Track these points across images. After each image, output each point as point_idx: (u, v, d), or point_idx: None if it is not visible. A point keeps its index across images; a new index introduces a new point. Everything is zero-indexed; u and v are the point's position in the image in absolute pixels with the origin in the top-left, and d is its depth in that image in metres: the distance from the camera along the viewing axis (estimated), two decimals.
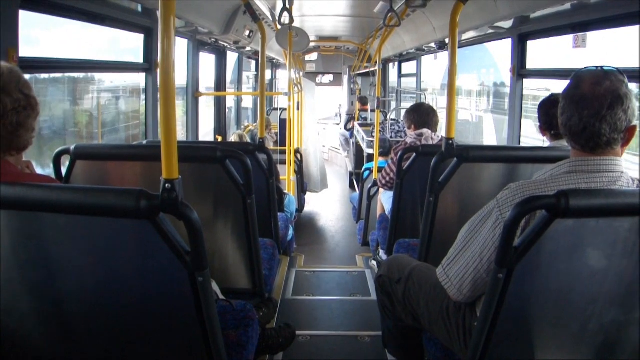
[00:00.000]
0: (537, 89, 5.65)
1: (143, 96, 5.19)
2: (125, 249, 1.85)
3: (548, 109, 3.18)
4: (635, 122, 1.97)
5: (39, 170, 2.35)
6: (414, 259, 2.90)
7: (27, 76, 2.01)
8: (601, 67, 2.00)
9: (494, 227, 2.04)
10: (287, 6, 5.40)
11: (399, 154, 3.85)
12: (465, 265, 2.15)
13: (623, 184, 1.99)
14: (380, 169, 5.58)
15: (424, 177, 3.18)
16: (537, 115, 3.34)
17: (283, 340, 3.54)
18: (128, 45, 5.10)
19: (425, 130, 4.50)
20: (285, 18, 5.68)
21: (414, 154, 3.67)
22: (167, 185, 1.67)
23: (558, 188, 1.92)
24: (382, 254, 4.73)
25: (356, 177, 9.68)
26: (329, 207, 10.11)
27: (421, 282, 2.54)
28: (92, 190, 1.73)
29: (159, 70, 1.73)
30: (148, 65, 4.80)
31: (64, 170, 2.91)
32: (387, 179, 4.56)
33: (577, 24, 3.86)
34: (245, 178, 2.87)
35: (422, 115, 4.60)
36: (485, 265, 2.08)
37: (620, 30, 3.68)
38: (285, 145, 6.79)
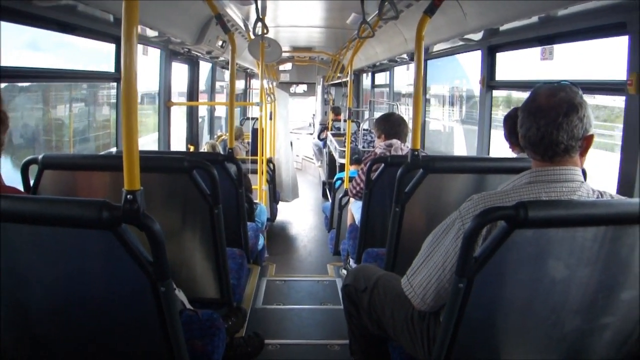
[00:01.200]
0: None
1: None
2: (89, 259, 1.85)
3: (512, 124, 3.22)
4: (591, 132, 2.01)
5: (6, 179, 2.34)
6: (380, 269, 2.92)
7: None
8: (557, 82, 2.06)
9: (456, 237, 2.07)
10: (261, 16, 5.42)
11: (368, 164, 3.87)
12: (428, 275, 2.17)
13: (583, 193, 2.03)
14: (351, 179, 5.61)
15: (392, 187, 3.20)
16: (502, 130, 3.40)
17: (251, 349, 3.55)
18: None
19: (394, 141, 4.53)
20: (259, 28, 5.70)
21: (382, 165, 3.70)
22: (128, 196, 1.68)
23: (519, 198, 1.95)
24: (352, 263, 4.74)
25: (329, 187, 9.69)
26: (301, 217, 10.11)
27: (386, 291, 2.57)
28: (55, 200, 1.74)
29: (121, 80, 1.74)
30: (119, 75, 4.78)
31: (32, 180, 2.89)
32: (357, 188, 4.59)
33: (544, 36, 3.92)
34: (212, 188, 2.87)
35: (392, 125, 4.62)
36: (447, 275, 2.11)
37: (584, 44, 3.75)
38: (258, 155, 6.79)
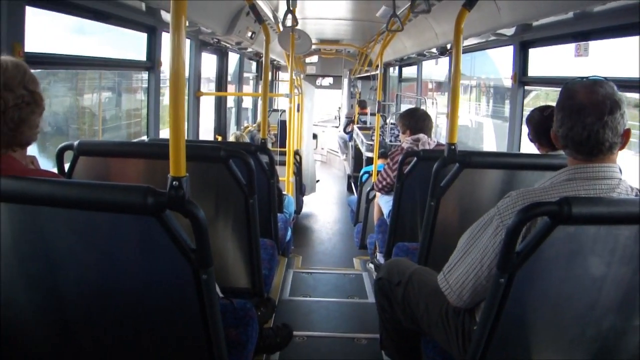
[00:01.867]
0: None
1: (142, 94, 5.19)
2: (130, 245, 1.85)
3: (537, 124, 3.18)
4: (628, 125, 2.00)
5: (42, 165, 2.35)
6: (414, 263, 2.91)
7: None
8: (586, 77, 2.04)
9: (495, 234, 2.06)
10: (291, 8, 5.42)
11: (400, 158, 3.86)
12: (465, 271, 2.16)
13: (622, 191, 2.02)
14: (379, 173, 5.61)
15: (423, 182, 3.19)
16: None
17: (280, 340, 3.56)
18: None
19: (421, 136, 4.53)
20: (289, 20, 5.70)
21: (415, 159, 3.69)
22: (174, 182, 1.68)
23: (558, 196, 1.93)
24: (380, 257, 4.74)
25: (354, 180, 9.69)
26: (326, 209, 10.13)
27: (421, 285, 2.56)
28: (98, 186, 1.74)
29: (168, 70, 1.74)
30: (151, 64, 4.81)
31: (66, 166, 2.91)
32: (384, 183, 4.58)
33: (579, 33, 3.87)
34: (247, 178, 2.88)
35: (418, 120, 4.63)
36: (485, 272, 2.10)
37: (621, 40, 3.70)
38: (284, 147, 6.79)
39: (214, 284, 1.86)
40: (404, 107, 11.34)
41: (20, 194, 1.71)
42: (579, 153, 2.03)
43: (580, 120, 1.97)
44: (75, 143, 2.84)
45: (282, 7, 5.51)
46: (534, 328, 2.02)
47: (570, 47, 4.25)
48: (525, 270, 1.80)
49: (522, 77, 4.82)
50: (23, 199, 1.73)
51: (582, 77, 2.05)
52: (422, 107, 8.60)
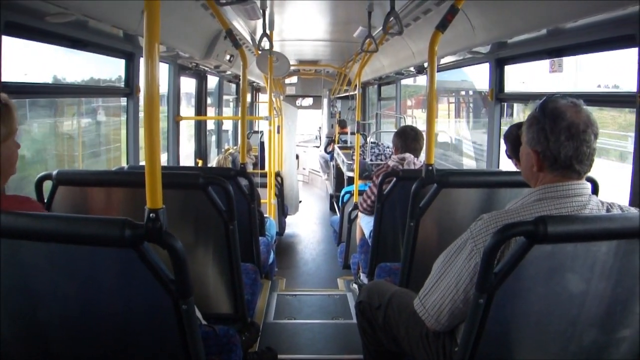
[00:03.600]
0: None
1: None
2: (109, 278, 1.85)
3: (514, 140, 3.21)
4: None
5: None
6: (393, 285, 2.91)
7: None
8: (559, 95, 2.08)
9: (469, 258, 2.07)
10: (267, 32, 5.44)
11: (380, 178, 3.87)
12: (441, 296, 2.17)
13: (593, 207, 2.05)
14: (361, 192, 5.61)
15: (404, 201, 3.20)
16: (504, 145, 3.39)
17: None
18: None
19: (407, 155, 4.53)
20: (266, 43, 5.73)
21: (394, 179, 3.70)
22: (151, 214, 1.68)
23: (530, 216, 1.94)
24: (364, 277, 4.74)
25: (336, 200, 9.70)
26: (309, 230, 10.12)
27: (400, 308, 2.56)
28: (76, 219, 1.73)
29: (142, 97, 1.75)
30: (129, 90, 4.79)
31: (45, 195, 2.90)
32: (368, 202, 4.58)
33: (553, 49, 3.91)
34: (227, 204, 2.88)
35: (407, 140, 4.63)
36: (461, 296, 2.10)
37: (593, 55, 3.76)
38: (265, 168, 6.79)
39: (194, 313, 1.85)
40: (384, 126, 11.40)
41: None
42: (556, 170, 2.05)
43: (572, 139, 1.99)
44: (54, 173, 2.84)
45: (260, 31, 5.53)
46: (516, 346, 2.03)
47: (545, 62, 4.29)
48: (504, 289, 1.81)
49: (498, 93, 4.86)
50: (2, 233, 1.72)
51: (554, 95, 2.09)
52: (402, 125, 8.70)
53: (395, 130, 5.05)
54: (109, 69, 5.11)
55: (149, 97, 1.72)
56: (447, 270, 2.16)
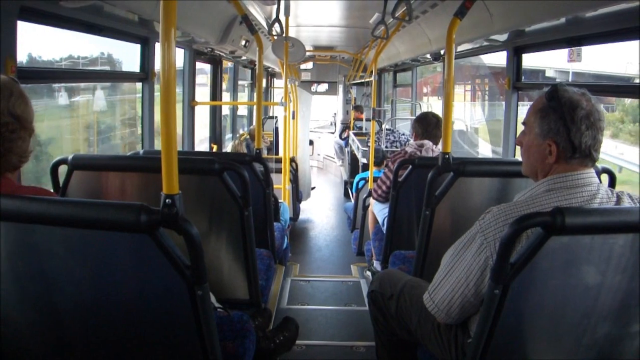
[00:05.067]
0: None
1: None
2: (124, 262, 1.85)
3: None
4: None
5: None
6: (405, 274, 2.91)
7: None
8: (557, 85, 2.08)
9: (479, 252, 2.06)
10: (283, 17, 5.42)
11: (396, 164, 3.85)
12: (451, 290, 2.16)
13: (603, 196, 2.04)
14: (375, 179, 5.59)
15: (419, 189, 3.19)
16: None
17: (274, 345, 3.55)
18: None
19: (426, 142, 4.50)
20: (278, 28, 5.71)
21: (410, 166, 3.69)
22: (167, 200, 1.68)
23: (539, 208, 1.96)
24: (377, 265, 4.73)
25: (351, 186, 9.70)
26: (323, 216, 10.12)
27: (412, 299, 2.56)
28: (92, 204, 1.74)
29: (159, 82, 1.74)
30: (145, 75, 4.80)
31: (61, 180, 2.91)
32: (382, 189, 4.56)
33: (572, 38, 3.87)
34: (242, 190, 2.88)
35: (425, 126, 4.60)
36: (472, 290, 2.10)
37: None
38: (279, 154, 6.78)
39: (209, 299, 1.86)
40: (399, 113, 11.36)
41: (14, 212, 1.72)
42: (574, 159, 2.04)
43: (591, 129, 2.00)
44: (69, 157, 2.84)
45: (275, 16, 5.51)
46: (530, 338, 2.03)
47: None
48: (520, 280, 1.80)
49: (515, 82, 4.82)
50: (17, 218, 1.73)
51: (559, 84, 2.09)
52: (417, 112, 8.66)
53: (413, 117, 5.02)
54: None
55: (166, 83, 1.71)
56: (457, 264, 2.16)
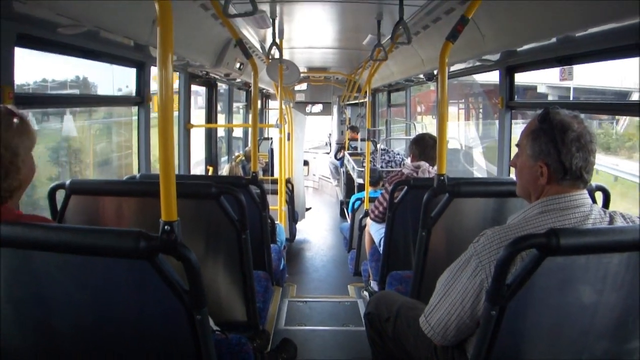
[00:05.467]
0: None
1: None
2: (123, 288, 1.86)
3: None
4: None
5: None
6: (400, 296, 2.92)
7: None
8: (548, 108, 2.11)
9: (474, 274, 2.07)
10: (277, 40, 5.46)
11: (392, 186, 3.87)
12: (447, 313, 2.17)
13: (596, 217, 2.06)
14: (371, 199, 5.60)
15: (415, 210, 3.21)
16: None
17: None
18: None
19: (422, 163, 4.49)
20: (276, 52, 5.75)
21: (406, 187, 3.71)
22: (166, 227, 1.70)
23: (533, 230, 1.99)
24: (374, 285, 4.73)
25: (347, 206, 9.71)
26: (319, 236, 10.11)
27: (409, 321, 2.56)
28: (91, 230, 1.75)
29: (156, 106, 1.76)
30: (140, 99, 4.82)
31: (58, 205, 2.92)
32: (380, 209, 4.57)
33: (563, 57, 3.90)
34: (239, 214, 2.89)
35: (422, 148, 4.58)
36: (468, 312, 2.11)
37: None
38: (274, 175, 6.78)
39: (208, 323, 1.87)
40: (394, 133, 11.40)
41: (14, 239, 1.72)
42: (565, 181, 2.06)
43: (582, 150, 2.02)
44: (67, 182, 2.86)
45: (270, 39, 5.55)
46: (528, 358, 2.03)
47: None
48: (517, 301, 1.82)
49: (509, 101, 4.85)
50: (17, 244, 1.74)
51: (552, 107, 2.12)
52: (412, 132, 8.69)
53: (408, 136, 5.05)
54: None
55: (163, 107, 1.73)
56: (452, 286, 2.17)
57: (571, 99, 7.96)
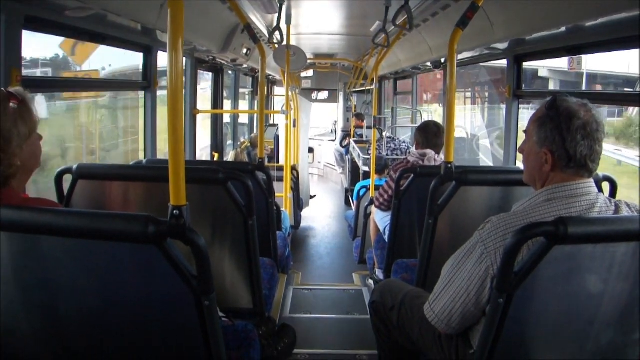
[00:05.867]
0: None
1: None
2: (130, 273, 1.86)
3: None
4: None
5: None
6: (405, 284, 2.91)
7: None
8: (556, 96, 2.11)
9: (479, 261, 2.07)
10: (285, 25, 5.44)
11: (397, 174, 3.86)
12: (452, 300, 2.17)
13: (602, 206, 2.06)
14: (377, 187, 5.59)
15: (421, 198, 3.20)
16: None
17: (282, 350, 3.57)
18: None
19: (428, 151, 4.50)
20: (277, 36, 5.73)
21: (412, 175, 3.70)
22: (175, 211, 1.69)
23: (539, 217, 1.99)
24: (379, 273, 4.73)
25: (352, 194, 9.71)
26: (324, 224, 10.12)
27: (413, 310, 2.56)
28: (99, 215, 1.75)
29: (166, 91, 1.74)
30: (147, 83, 4.81)
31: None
32: (385, 197, 4.56)
33: (572, 46, 3.88)
34: (246, 200, 2.89)
35: (426, 135, 4.59)
36: (473, 299, 2.10)
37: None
38: (279, 162, 6.77)
39: (216, 309, 1.87)
40: (400, 120, 11.37)
41: (20, 223, 1.72)
42: (569, 169, 2.06)
43: (587, 138, 2.01)
44: (74, 167, 2.85)
45: (277, 25, 5.52)
46: (534, 346, 2.03)
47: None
48: (523, 289, 1.82)
49: (516, 90, 4.83)
50: (24, 229, 1.74)
51: (561, 94, 2.11)
52: (419, 119, 8.66)
53: (414, 124, 5.03)
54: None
55: (173, 92, 1.72)
56: (457, 274, 2.16)
57: (583, 87, 7.92)
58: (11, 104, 1.95)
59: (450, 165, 2.94)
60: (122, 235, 1.69)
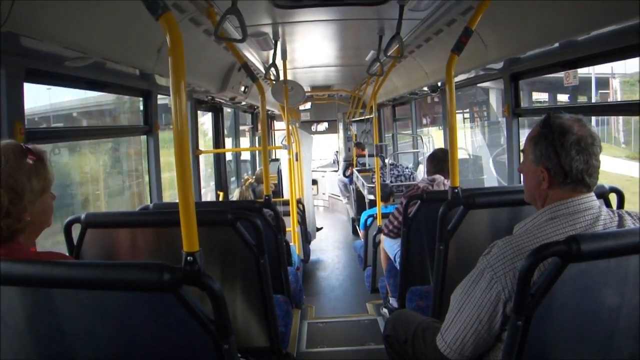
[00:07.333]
0: None
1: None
2: (147, 321, 1.84)
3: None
4: None
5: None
6: (418, 315, 2.88)
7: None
8: (550, 113, 2.12)
9: (489, 287, 2.05)
10: (280, 61, 5.48)
11: (405, 201, 3.87)
12: (463, 329, 2.14)
13: (606, 218, 2.06)
14: (383, 215, 5.58)
15: (429, 224, 3.20)
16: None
17: None
18: None
19: (437, 176, 4.59)
20: (278, 73, 5.76)
21: (419, 201, 3.70)
22: (188, 258, 1.69)
23: (545, 237, 1.99)
24: (393, 301, 4.72)
25: (358, 223, 9.69)
26: (334, 255, 10.10)
27: (426, 341, 2.52)
28: (113, 265, 1.74)
29: (170, 135, 1.75)
30: (149, 128, 4.83)
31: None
32: (394, 224, 4.57)
33: (567, 61, 3.90)
34: (256, 238, 2.89)
35: (434, 163, 4.71)
36: (485, 326, 2.08)
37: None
38: (284, 196, 6.77)
39: (235, 352, 1.85)
40: (401, 146, 11.40)
41: (33, 277, 1.72)
42: (567, 185, 2.07)
43: (582, 153, 2.02)
44: (82, 216, 2.85)
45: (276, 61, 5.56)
46: None
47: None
48: (541, 310, 1.81)
49: (515, 108, 4.85)
50: (36, 283, 1.73)
51: (555, 112, 2.13)
52: (419, 143, 8.68)
53: (415, 150, 5.07)
54: None
55: (179, 136, 1.72)
56: (466, 302, 2.14)
57: (592, 90, 7.90)
58: (28, 160, 1.96)
59: (457, 190, 2.95)
60: (137, 285, 1.68)
